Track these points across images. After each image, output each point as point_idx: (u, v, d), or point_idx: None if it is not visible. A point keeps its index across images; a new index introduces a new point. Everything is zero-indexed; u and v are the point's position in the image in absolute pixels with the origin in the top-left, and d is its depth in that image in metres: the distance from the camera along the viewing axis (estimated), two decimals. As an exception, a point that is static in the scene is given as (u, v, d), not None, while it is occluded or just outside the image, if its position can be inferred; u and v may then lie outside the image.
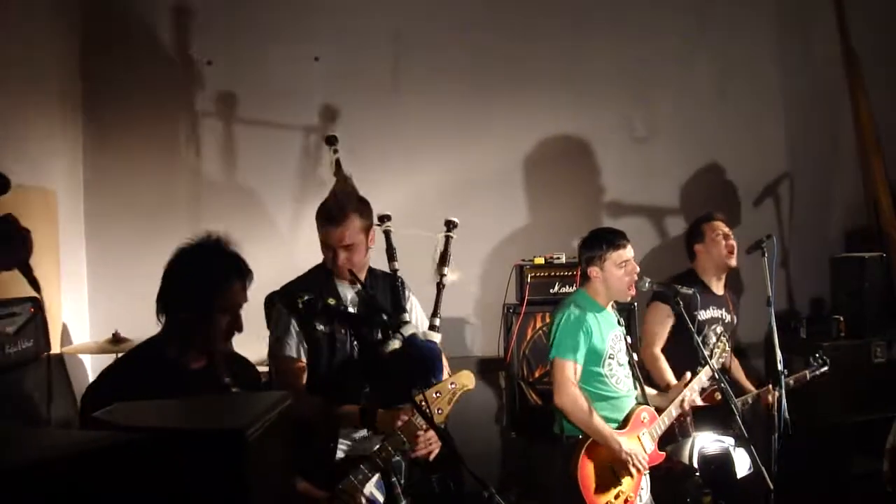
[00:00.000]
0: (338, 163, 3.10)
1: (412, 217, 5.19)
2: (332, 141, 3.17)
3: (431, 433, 2.84)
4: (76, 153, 4.95)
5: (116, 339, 4.08)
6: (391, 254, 3.25)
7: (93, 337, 4.74)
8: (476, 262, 5.23)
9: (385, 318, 2.77)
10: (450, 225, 3.30)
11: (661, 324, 4.11)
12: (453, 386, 2.92)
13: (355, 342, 3.02)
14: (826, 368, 4.22)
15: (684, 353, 3.89)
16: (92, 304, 4.96)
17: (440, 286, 3.22)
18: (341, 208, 3.02)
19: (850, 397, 4.82)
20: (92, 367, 4.83)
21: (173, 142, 5.07)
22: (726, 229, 4.27)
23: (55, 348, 3.90)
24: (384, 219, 3.33)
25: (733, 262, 4.23)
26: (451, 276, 3.19)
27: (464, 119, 5.29)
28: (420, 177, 5.27)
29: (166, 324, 2.48)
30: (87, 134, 4.99)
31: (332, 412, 2.91)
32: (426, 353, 2.70)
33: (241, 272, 2.50)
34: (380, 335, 2.78)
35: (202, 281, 2.43)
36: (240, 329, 2.49)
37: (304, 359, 3.01)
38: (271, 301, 3.18)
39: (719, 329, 4.15)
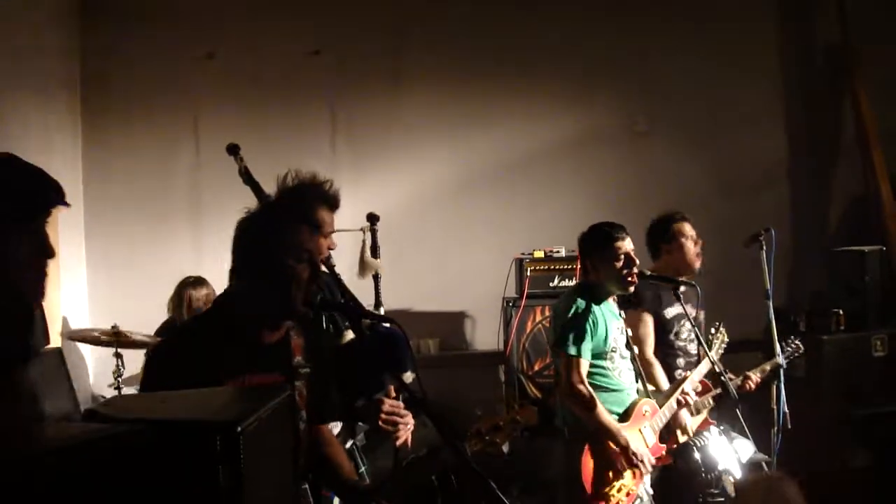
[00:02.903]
0: (247, 171, 2.87)
1: (412, 210, 5.26)
2: (234, 150, 2.84)
3: (409, 418, 2.75)
4: (75, 146, 4.95)
5: (115, 333, 4.07)
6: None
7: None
8: (475, 255, 5.23)
9: (344, 306, 2.55)
10: (373, 219, 3.22)
11: (644, 325, 3.91)
12: (518, 419, 2.86)
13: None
14: (800, 353, 4.10)
15: (664, 353, 3.88)
16: (91, 298, 4.96)
17: (376, 277, 3.13)
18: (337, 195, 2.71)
19: (849, 391, 4.82)
20: (92, 360, 4.83)
21: (173, 135, 5.06)
22: (694, 232, 4.05)
23: (54, 342, 3.90)
24: None
25: (698, 265, 4.02)
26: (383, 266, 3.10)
27: (464, 113, 5.30)
28: (420, 170, 5.28)
29: (238, 291, 2.14)
30: (86, 126, 5.00)
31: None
32: (390, 338, 2.40)
33: (302, 214, 2.19)
34: (334, 327, 2.71)
35: (257, 242, 2.09)
36: (316, 276, 2.11)
37: None
38: None
39: (717, 323, 4.10)
